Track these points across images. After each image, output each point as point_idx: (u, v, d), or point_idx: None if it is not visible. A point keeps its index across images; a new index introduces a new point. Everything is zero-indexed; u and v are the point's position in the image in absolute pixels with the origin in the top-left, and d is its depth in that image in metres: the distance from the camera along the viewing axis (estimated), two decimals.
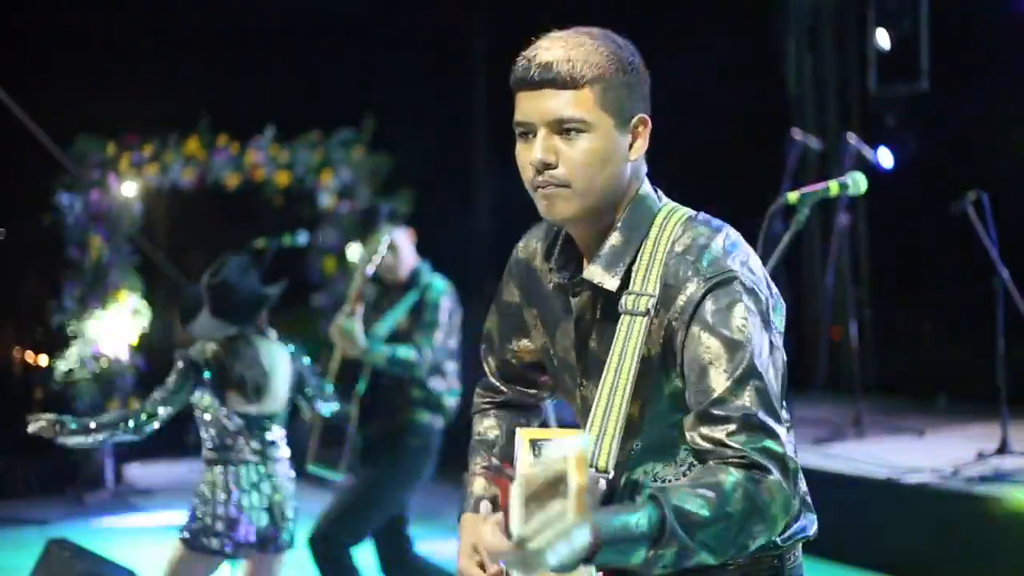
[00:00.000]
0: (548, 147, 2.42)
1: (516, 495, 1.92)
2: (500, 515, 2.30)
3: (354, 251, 10.59)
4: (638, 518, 2.11)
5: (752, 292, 2.37)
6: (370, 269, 5.89)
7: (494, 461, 2.70)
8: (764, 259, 2.60)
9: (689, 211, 2.53)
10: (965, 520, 6.85)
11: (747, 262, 2.43)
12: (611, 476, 2.31)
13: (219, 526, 5.02)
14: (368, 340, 5.79)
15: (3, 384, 11.13)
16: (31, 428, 4.72)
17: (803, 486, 2.57)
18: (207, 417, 5.10)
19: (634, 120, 2.48)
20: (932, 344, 10.17)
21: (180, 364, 5.05)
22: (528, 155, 2.45)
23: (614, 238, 2.48)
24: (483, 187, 13.06)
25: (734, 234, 2.48)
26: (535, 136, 2.44)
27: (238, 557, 5.12)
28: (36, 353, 11.19)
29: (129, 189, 10.69)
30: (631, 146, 2.49)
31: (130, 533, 9.32)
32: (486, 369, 2.86)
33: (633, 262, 2.44)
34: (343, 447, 6.00)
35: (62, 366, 10.40)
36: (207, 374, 5.07)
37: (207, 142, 10.91)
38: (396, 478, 5.99)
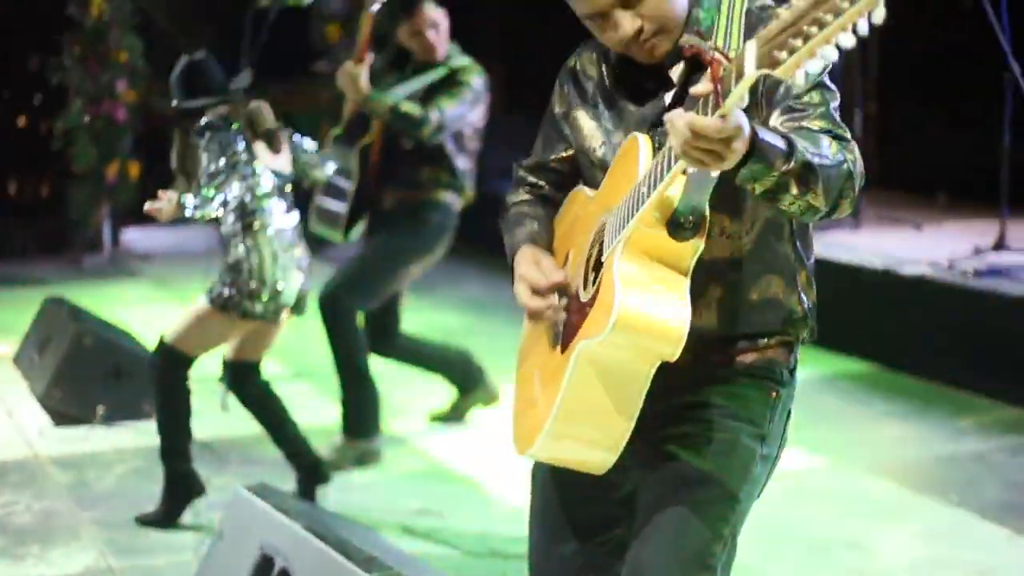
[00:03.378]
0: (631, 18, 2.48)
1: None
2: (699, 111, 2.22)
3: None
4: (774, 136, 2.24)
5: None
6: (375, 5, 5.71)
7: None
8: None
9: None
10: (959, 313, 6.90)
11: None
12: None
13: (263, 291, 4.96)
14: (375, 90, 5.67)
15: (3, 148, 11.05)
16: (150, 208, 4.69)
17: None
18: (241, 174, 4.97)
19: None
20: (935, 140, 10.04)
21: (208, 133, 4.97)
22: (614, 34, 2.50)
23: (698, 13, 2.54)
24: None
25: None
26: (609, 18, 2.49)
27: (276, 320, 5.06)
28: (35, 117, 11.08)
29: None
30: None
31: (126, 296, 9.38)
32: (521, 175, 2.90)
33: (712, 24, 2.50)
34: (339, 210, 5.99)
35: (61, 126, 10.32)
36: (235, 125, 5.00)
37: None
38: (412, 250, 5.97)
